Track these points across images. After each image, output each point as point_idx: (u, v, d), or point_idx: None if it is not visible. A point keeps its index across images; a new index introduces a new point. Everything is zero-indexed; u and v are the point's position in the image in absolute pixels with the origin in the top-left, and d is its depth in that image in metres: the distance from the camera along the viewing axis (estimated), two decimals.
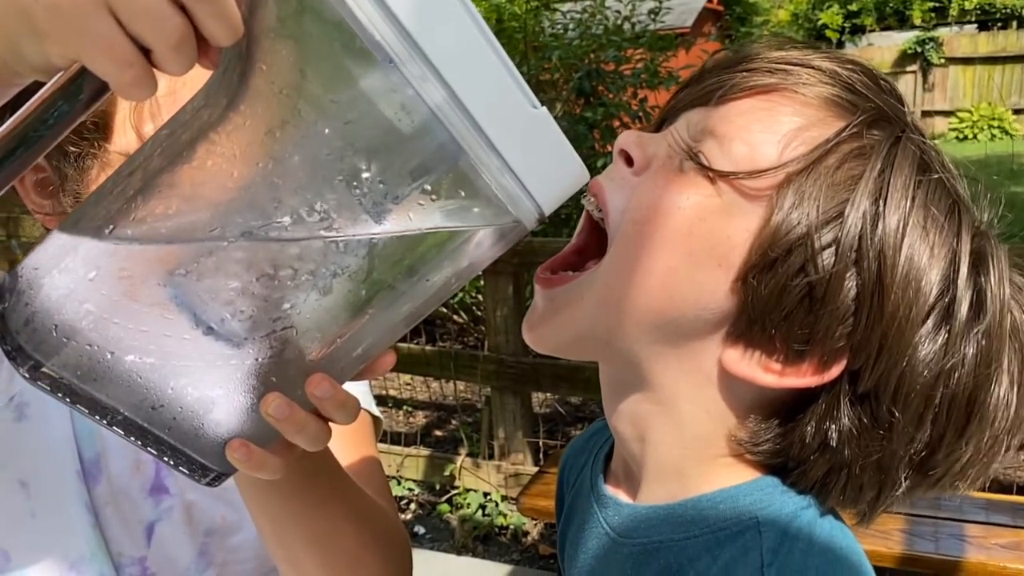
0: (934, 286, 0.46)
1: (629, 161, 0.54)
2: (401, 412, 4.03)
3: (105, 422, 0.45)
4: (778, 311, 0.47)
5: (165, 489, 0.79)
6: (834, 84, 0.50)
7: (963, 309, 0.47)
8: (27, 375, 0.43)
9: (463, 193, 0.41)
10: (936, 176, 0.48)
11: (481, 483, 3.22)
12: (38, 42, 0.37)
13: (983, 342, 0.47)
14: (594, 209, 0.55)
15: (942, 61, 13.95)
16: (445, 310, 4.09)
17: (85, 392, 0.44)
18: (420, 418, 4.01)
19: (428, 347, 3.39)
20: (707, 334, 0.51)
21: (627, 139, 0.54)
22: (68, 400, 0.44)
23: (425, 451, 3.42)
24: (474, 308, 4.08)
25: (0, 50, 0.39)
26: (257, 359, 0.45)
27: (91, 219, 0.43)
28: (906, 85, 13.99)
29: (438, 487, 3.36)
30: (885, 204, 0.46)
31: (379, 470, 0.81)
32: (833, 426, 0.49)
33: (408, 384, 4.22)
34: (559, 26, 4.51)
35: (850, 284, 0.46)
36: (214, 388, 0.45)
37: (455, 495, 3.27)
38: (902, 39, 14.75)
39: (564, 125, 3.78)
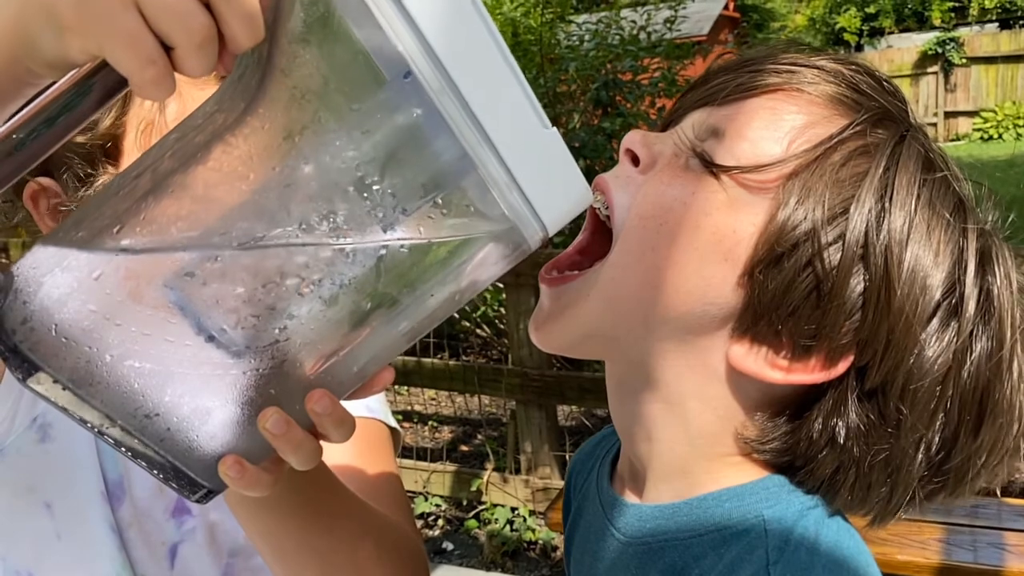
0: (940, 283, 0.47)
1: (635, 160, 0.55)
2: (426, 428, 4.03)
3: (97, 430, 0.44)
4: (785, 306, 0.48)
5: (187, 510, 0.78)
6: (839, 83, 0.51)
7: (970, 307, 0.47)
8: (21, 376, 0.42)
9: (472, 209, 0.42)
10: (941, 174, 0.49)
11: (508, 498, 3.20)
12: (59, 36, 0.37)
13: (991, 341, 0.47)
14: (601, 206, 0.55)
15: (964, 61, 13.81)
16: (468, 324, 4.09)
17: (80, 396, 0.43)
18: (446, 433, 4.00)
19: (452, 361, 3.39)
20: (713, 329, 0.51)
21: (633, 138, 0.55)
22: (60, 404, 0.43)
23: (451, 466, 3.41)
24: (497, 321, 4.07)
25: (16, 46, 0.39)
26: (258, 370, 0.44)
27: (96, 219, 0.42)
28: (928, 86, 13.87)
29: (465, 502, 3.35)
30: (891, 202, 0.46)
31: (394, 482, 0.79)
32: (840, 422, 0.49)
33: (433, 399, 4.22)
34: (575, 37, 4.52)
35: (856, 280, 0.47)
36: (212, 399, 0.45)
37: (483, 510, 3.25)
38: (922, 40, 14.63)
39: (582, 136, 3.79)
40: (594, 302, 0.53)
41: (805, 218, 0.47)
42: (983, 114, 13.56)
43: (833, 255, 0.46)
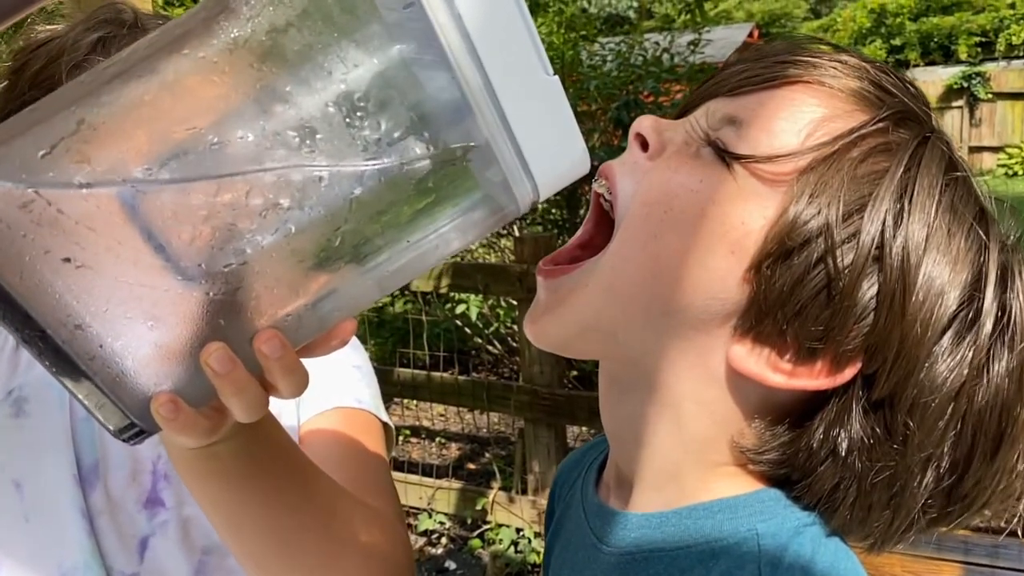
0: (958, 294, 0.45)
1: (645, 146, 0.52)
2: (434, 444, 3.99)
3: (22, 336, 0.39)
4: (792, 304, 0.45)
5: (161, 502, 0.75)
6: (862, 79, 0.49)
7: (988, 323, 0.44)
8: None
9: (458, 152, 0.39)
10: (964, 175, 0.47)
11: (514, 518, 3.15)
12: None
13: (1011, 361, 0.45)
14: (605, 192, 0.53)
15: (989, 96, 13.73)
16: (479, 340, 4.06)
17: (6, 293, 0.38)
18: (453, 450, 3.96)
19: (461, 377, 3.36)
20: (715, 326, 0.48)
21: (643, 123, 0.53)
22: None
23: (457, 484, 3.36)
24: (509, 339, 4.04)
25: None
26: (208, 293, 0.40)
27: (56, 101, 0.38)
28: (952, 120, 13.79)
29: (470, 521, 3.30)
30: (910, 203, 0.45)
31: (380, 468, 0.75)
32: (843, 433, 0.46)
33: (441, 415, 4.19)
34: (597, 57, 4.52)
35: (869, 282, 0.45)
36: (152, 319, 0.40)
37: (487, 530, 3.20)
38: (947, 74, 14.57)
39: (602, 155, 3.77)
40: (593, 293, 0.50)
41: (819, 213, 0.45)
42: (1008, 150, 13.47)
43: (846, 254, 0.44)
